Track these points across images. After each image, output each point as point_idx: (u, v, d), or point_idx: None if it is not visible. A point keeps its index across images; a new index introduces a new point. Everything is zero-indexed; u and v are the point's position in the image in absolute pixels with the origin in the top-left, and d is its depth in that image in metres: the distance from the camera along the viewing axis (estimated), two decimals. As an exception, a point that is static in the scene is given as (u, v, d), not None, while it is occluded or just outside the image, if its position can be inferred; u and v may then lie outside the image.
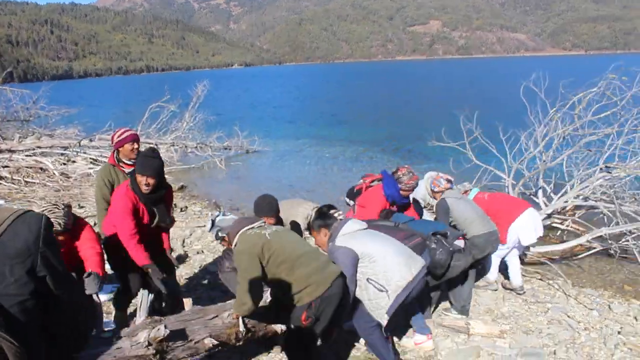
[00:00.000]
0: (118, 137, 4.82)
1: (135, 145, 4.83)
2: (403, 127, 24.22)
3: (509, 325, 5.24)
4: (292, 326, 3.88)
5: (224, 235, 4.05)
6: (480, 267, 6.00)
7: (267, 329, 4.19)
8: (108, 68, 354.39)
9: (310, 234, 4.67)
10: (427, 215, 6.29)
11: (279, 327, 4.18)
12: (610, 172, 8.52)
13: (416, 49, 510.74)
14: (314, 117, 30.99)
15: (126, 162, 4.85)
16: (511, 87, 9.62)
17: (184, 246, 7.98)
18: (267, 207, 4.66)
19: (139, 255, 4.23)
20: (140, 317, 3.94)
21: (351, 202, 5.95)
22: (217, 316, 3.94)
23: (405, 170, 5.49)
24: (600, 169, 8.68)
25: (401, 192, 5.49)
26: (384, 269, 4.01)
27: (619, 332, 5.10)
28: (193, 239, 8.35)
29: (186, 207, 10.62)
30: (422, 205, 6.38)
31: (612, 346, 4.82)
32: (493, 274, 6.36)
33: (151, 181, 4.28)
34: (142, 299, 4.31)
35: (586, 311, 5.64)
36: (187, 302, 4.33)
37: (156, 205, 4.50)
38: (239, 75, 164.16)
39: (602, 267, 7.52)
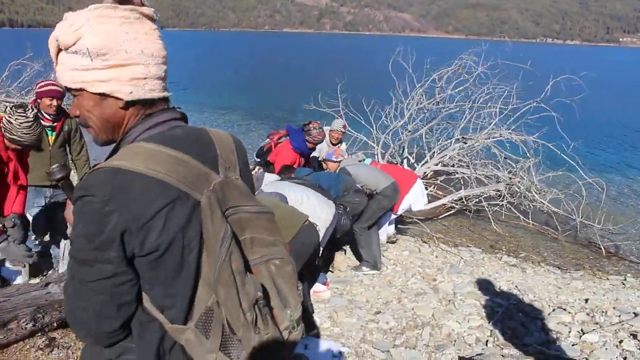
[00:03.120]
0: (39, 87, 4.75)
1: (54, 102, 4.76)
2: (279, 97, 24.71)
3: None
4: None
5: None
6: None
7: None
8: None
9: None
10: None
11: None
12: (465, 143, 9.37)
13: (304, 22, 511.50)
14: (192, 84, 30.38)
15: (45, 115, 4.78)
16: (387, 64, 10.22)
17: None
18: None
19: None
20: (63, 266, 3.91)
21: (258, 160, 6.31)
22: None
23: (316, 125, 5.95)
24: (457, 139, 9.53)
25: (308, 144, 5.96)
26: (312, 208, 4.40)
27: (419, 266, 6.26)
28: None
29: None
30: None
31: (410, 275, 5.92)
32: (391, 229, 7.04)
33: None
34: (64, 249, 4.22)
35: (399, 251, 6.77)
36: None
37: None
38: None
39: (447, 222, 8.56)
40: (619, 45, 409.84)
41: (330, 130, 6.82)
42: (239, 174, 1.38)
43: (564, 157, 8.63)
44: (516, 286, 5.67)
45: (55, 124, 4.87)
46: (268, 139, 6.37)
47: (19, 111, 3.56)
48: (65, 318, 1.26)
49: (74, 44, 1.26)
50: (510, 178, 8.67)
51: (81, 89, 1.29)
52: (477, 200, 8.70)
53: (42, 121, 4.56)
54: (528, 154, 8.89)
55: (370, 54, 69.57)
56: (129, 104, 1.30)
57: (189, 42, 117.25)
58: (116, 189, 1.16)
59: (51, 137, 4.87)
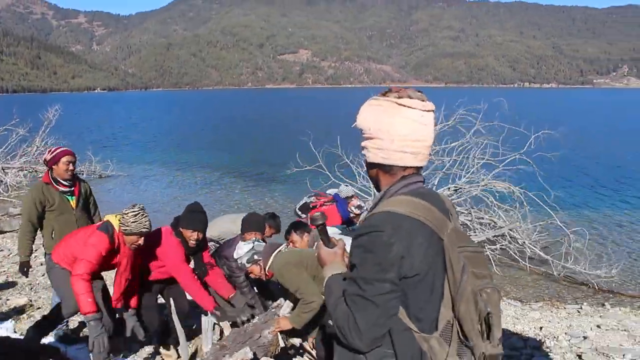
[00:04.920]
0: (51, 154, 4.79)
1: (71, 167, 4.83)
2: (262, 153, 25.06)
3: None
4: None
5: (259, 259, 4.15)
6: None
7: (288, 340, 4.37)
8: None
9: (287, 239, 4.89)
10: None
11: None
12: (456, 192, 9.67)
13: (286, 78, 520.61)
14: (173, 143, 30.94)
15: (61, 181, 4.83)
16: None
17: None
18: (255, 225, 4.93)
19: (203, 299, 4.45)
20: (208, 345, 4.24)
21: (303, 215, 6.53)
22: (261, 336, 4.08)
23: (358, 202, 6.43)
24: (448, 188, 9.82)
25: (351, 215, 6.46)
26: None
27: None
28: (38, 254, 8.32)
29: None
30: None
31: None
32: None
33: (200, 236, 4.57)
34: (207, 327, 4.43)
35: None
36: (226, 325, 4.55)
37: (195, 254, 4.70)
38: (101, 99, 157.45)
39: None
40: (593, 86, 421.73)
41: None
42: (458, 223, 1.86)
43: (541, 199, 9.05)
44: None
45: (73, 188, 4.94)
46: (314, 198, 6.73)
47: (128, 207, 4.20)
48: (338, 328, 1.67)
49: (355, 123, 1.84)
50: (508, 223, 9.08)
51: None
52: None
53: (59, 187, 4.79)
54: (515, 200, 9.35)
55: (352, 106, 71.05)
56: (373, 166, 1.82)
57: (171, 102, 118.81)
58: (395, 226, 1.59)
59: (73, 202, 4.94)
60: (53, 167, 4.78)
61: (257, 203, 14.09)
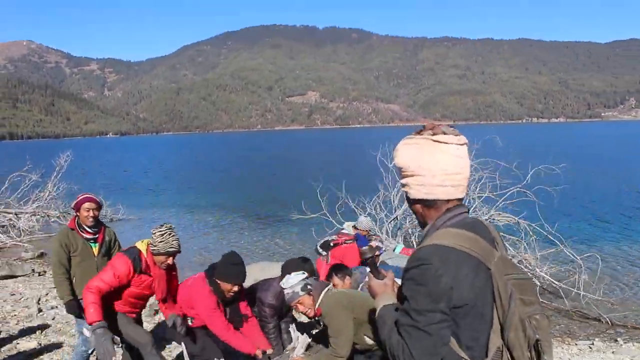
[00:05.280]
0: (76, 200, 4.87)
1: (92, 214, 4.83)
2: (270, 196, 25.01)
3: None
4: None
5: (312, 289, 4.09)
6: None
7: None
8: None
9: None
10: None
11: None
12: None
13: (295, 119, 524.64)
14: (183, 186, 31.13)
15: (86, 228, 4.85)
16: (375, 155, 10.96)
17: (39, 303, 8.21)
18: (296, 270, 4.88)
19: (241, 344, 4.38)
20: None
21: (324, 253, 6.77)
22: None
23: (377, 244, 6.64)
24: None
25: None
26: None
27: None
28: (49, 297, 8.68)
29: (44, 272, 10.84)
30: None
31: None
32: None
33: (239, 288, 4.49)
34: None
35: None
36: None
37: (230, 304, 4.65)
38: (112, 144, 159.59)
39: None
40: (602, 119, 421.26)
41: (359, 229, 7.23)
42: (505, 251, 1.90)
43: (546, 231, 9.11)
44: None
45: (97, 235, 4.95)
46: (335, 236, 6.95)
47: (156, 227, 4.26)
48: (392, 357, 1.70)
49: (394, 162, 1.91)
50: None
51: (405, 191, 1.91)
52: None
53: (83, 234, 4.82)
54: (522, 234, 9.37)
55: (360, 146, 71.59)
56: (417, 202, 1.86)
57: (182, 145, 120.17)
58: (442, 258, 1.65)
59: (95, 248, 4.94)
60: (77, 213, 4.84)
61: (264, 245, 14.10)
